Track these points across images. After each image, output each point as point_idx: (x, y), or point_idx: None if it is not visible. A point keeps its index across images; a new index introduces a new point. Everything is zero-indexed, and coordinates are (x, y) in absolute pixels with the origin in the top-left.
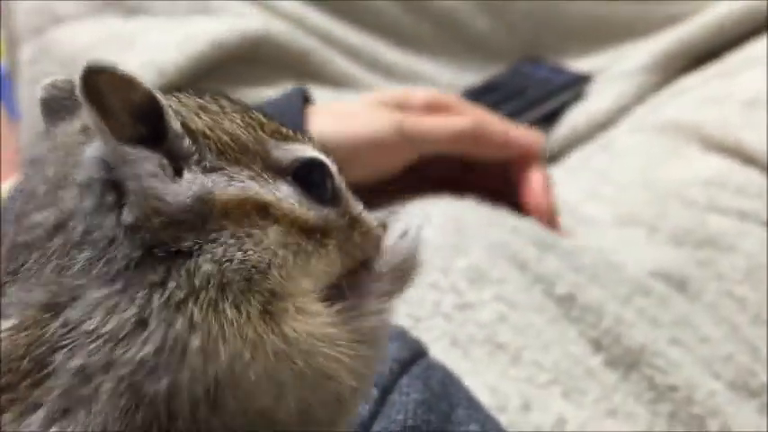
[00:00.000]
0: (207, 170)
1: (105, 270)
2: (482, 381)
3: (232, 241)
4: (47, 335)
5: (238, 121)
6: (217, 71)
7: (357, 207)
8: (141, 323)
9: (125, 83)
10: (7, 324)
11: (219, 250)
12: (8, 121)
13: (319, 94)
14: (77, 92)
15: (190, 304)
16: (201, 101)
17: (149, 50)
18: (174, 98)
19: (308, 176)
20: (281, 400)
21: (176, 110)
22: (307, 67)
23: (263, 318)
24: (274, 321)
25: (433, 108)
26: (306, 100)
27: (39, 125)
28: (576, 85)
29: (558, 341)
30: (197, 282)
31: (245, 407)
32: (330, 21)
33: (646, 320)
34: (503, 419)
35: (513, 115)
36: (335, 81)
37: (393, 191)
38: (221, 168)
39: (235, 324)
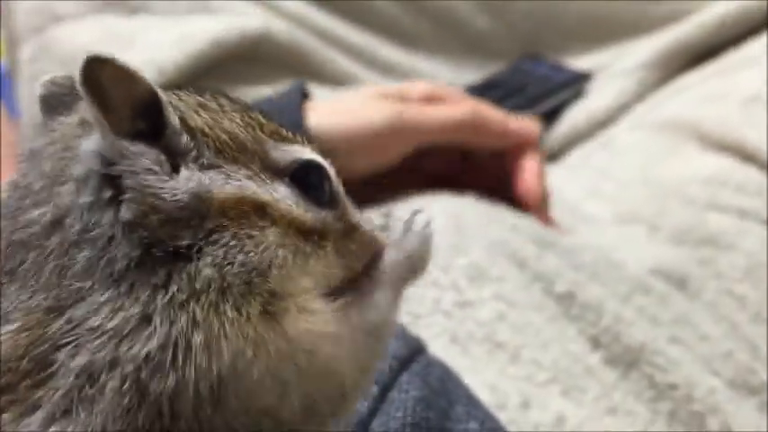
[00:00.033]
0: (204, 167)
1: (108, 271)
2: (481, 379)
3: (233, 243)
4: (48, 333)
5: (238, 120)
6: (216, 70)
7: (355, 213)
8: (146, 319)
9: (127, 76)
10: (9, 327)
11: (220, 252)
12: (8, 120)
13: (319, 92)
14: (78, 83)
15: (192, 304)
16: (201, 99)
17: (149, 49)
18: (173, 95)
19: (306, 178)
20: (285, 397)
21: (176, 106)
22: (306, 66)
23: (264, 318)
24: (275, 321)
25: (431, 99)
26: (305, 96)
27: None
28: (576, 83)
29: (558, 339)
30: (198, 285)
31: (247, 405)
32: (330, 20)
33: (645, 319)
34: (502, 417)
35: (513, 113)
36: (335, 80)
37: (390, 186)
38: (219, 166)
39: (236, 324)
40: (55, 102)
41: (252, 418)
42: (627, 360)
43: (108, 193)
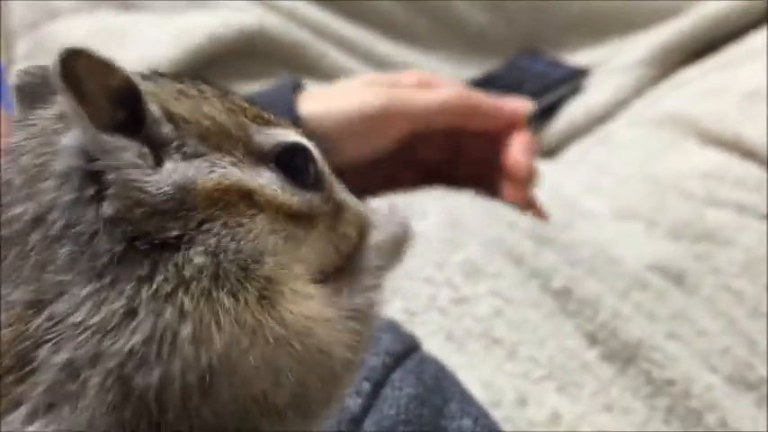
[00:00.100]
0: (188, 156)
1: (90, 265)
2: (477, 375)
3: (225, 231)
4: (30, 330)
5: (219, 105)
6: (213, 65)
7: (341, 192)
8: (130, 313)
9: (102, 67)
10: None
11: (212, 241)
12: (5, 116)
13: (315, 87)
14: (54, 76)
15: (179, 294)
16: (181, 86)
17: (144, 44)
18: (152, 83)
19: (291, 162)
20: (277, 384)
21: (155, 94)
22: (302, 60)
23: (261, 303)
24: (271, 306)
25: (423, 85)
26: (298, 87)
27: None
28: (574, 79)
29: (554, 335)
30: (187, 273)
31: (238, 394)
32: (326, 14)
33: (643, 314)
34: (498, 414)
35: None
36: (331, 75)
37: (387, 181)
38: (203, 154)
39: (232, 311)
40: (30, 92)
41: (242, 407)
42: (624, 356)
43: (91, 190)
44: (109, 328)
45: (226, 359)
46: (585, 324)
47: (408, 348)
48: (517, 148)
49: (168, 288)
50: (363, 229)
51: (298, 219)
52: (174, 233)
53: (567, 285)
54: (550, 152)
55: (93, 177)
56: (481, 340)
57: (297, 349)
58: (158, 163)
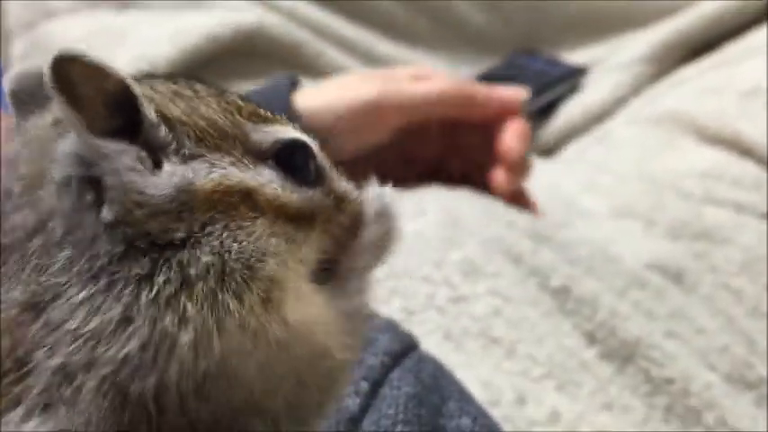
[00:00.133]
0: (186, 159)
1: (87, 267)
2: (476, 374)
3: (226, 233)
4: (28, 336)
5: (214, 105)
6: (211, 65)
7: (341, 184)
8: (126, 320)
9: (97, 71)
10: None
11: (216, 242)
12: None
13: (310, 84)
14: (48, 82)
15: (182, 298)
16: (175, 87)
17: (141, 44)
18: (147, 86)
19: (291, 158)
20: (276, 385)
21: (150, 97)
22: (301, 59)
23: (265, 306)
24: (275, 308)
25: (417, 78)
26: (294, 85)
27: None
28: (572, 78)
29: (553, 334)
30: (192, 273)
31: (237, 396)
32: (325, 14)
33: (641, 313)
34: (496, 413)
35: None
36: (330, 74)
37: (382, 176)
38: (201, 156)
39: (237, 315)
40: (26, 96)
41: (239, 409)
42: (622, 354)
43: (90, 196)
44: (103, 334)
45: (225, 364)
46: (584, 323)
47: (406, 348)
48: (511, 135)
49: (170, 290)
50: (359, 221)
51: (299, 219)
52: (178, 234)
53: (565, 284)
54: (548, 151)
55: (91, 183)
56: (479, 339)
57: (297, 352)
58: (157, 166)
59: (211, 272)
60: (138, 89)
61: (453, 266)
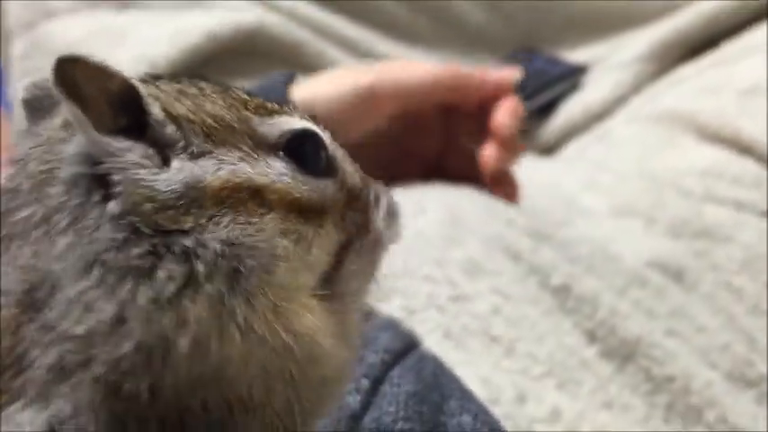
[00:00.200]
0: (194, 156)
1: (85, 253)
2: (476, 373)
3: (235, 230)
4: (27, 335)
5: (220, 102)
6: (211, 64)
7: (355, 176)
8: (119, 320)
9: (100, 72)
10: None
11: (224, 238)
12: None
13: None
14: (53, 85)
15: (184, 298)
16: (180, 85)
17: (141, 44)
18: (152, 86)
19: (301, 149)
20: (274, 390)
21: (156, 96)
22: (301, 59)
23: (275, 312)
24: (284, 317)
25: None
26: (291, 80)
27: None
28: (572, 76)
29: (553, 332)
30: (198, 270)
31: (231, 399)
32: (326, 13)
33: (642, 311)
34: (497, 411)
35: None
36: None
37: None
38: (209, 152)
39: (242, 321)
40: (38, 104)
41: (234, 409)
42: (623, 353)
43: (98, 194)
44: (96, 335)
45: (223, 369)
46: (584, 321)
47: (407, 345)
48: (503, 112)
49: (171, 289)
50: (370, 219)
51: (309, 213)
52: (187, 225)
53: (565, 282)
54: (549, 149)
55: (99, 181)
56: (480, 337)
57: (299, 361)
58: (165, 163)
59: (218, 273)
60: (142, 88)
61: (455, 265)
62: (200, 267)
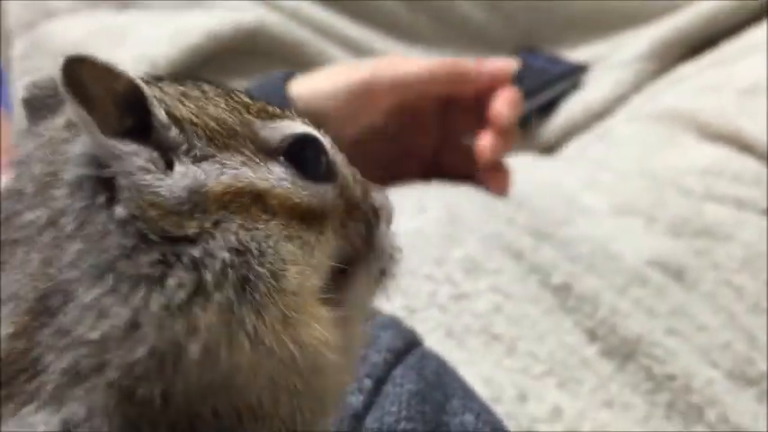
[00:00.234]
0: (198, 159)
1: (97, 261)
2: (477, 371)
3: (239, 236)
4: (41, 340)
5: (222, 105)
6: (212, 64)
7: (356, 186)
8: (134, 325)
9: (107, 72)
10: (7, 331)
11: (231, 243)
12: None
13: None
14: (59, 85)
15: (195, 306)
16: (183, 88)
17: (141, 44)
18: (155, 87)
19: (301, 154)
20: (278, 402)
21: (160, 99)
22: (302, 58)
23: (285, 324)
24: (292, 327)
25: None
26: (289, 77)
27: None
28: (573, 75)
29: (554, 331)
30: (207, 279)
31: (239, 406)
32: (327, 14)
33: (642, 310)
34: (498, 410)
35: None
36: None
37: (381, 171)
38: (212, 156)
39: (252, 331)
40: (38, 104)
41: (242, 415)
42: (623, 352)
43: (103, 197)
44: (110, 340)
45: (232, 377)
46: (585, 320)
47: (409, 345)
48: (501, 102)
49: (182, 296)
50: (372, 225)
51: (310, 219)
52: (192, 231)
53: (566, 281)
54: (549, 148)
55: (104, 184)
56: (481, 336)
57: (304, 372)
58: (168, 167)
59: (228, 279)
60: (148, 90)
61: (455, 264)
62: (209, 277)
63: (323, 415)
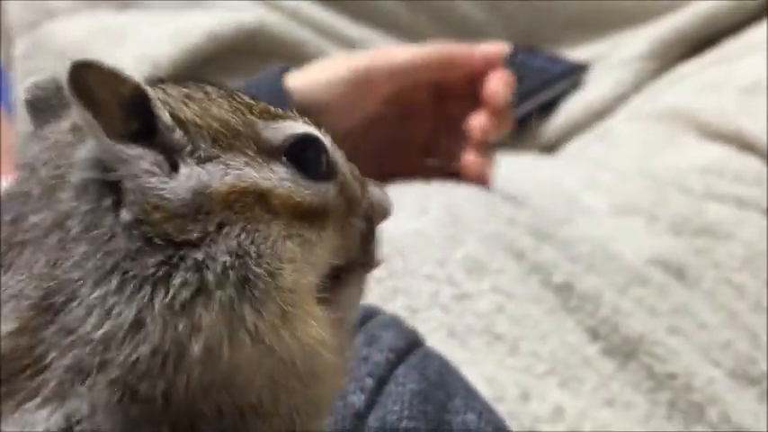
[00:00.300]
0: (202, 161)
1: (102, 263)
2: (480, 371)
3: (243, 236)
4: (45, 338)
5: (225, 106)
6: (212, 64)
7: (356, 187)
8: (138, 324)
9: (113, 77)
10: (9, 327)
11: (233, 244)
12: (5, 116)
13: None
14: (66, 89)
15: (197, 305)
16: (186, 90)
17: (142, 44)
18: (159, 89)
19: (303, 153)
20: (276, 400)
21: (164, 101)
22: (302, 58)
23: (283, 319)
24: (290, 323)
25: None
26: (285, 71)
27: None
28: (573, 75)
29: (556, 331)
30: (209, 278)
31: (239, 403)
32: (327, 14)
33: (644, 309)
34: (501, 409)
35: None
36: None
37: (380, 165)
38: (216, 157)
39: (252, 329)
40: (41, 105)
41: (244, 417)
42: (625, 351)
43: (108, 200)
44: (115, 339)
45: (233, 375)
46: (586, 319)
47: (411, 344)
48: (495, 82)
49: (185, 296)
50: (372, 222)
51: (311, 218)
52: (195, 234)
53: (567, 281)
54: (549, 148)
55: (110, 187)
56: (483, 336)
57: (301, 370)
58: (173, 169)
59: (229, 279)
60: (153, 93)
61: (457, 264)
62: (211, 277)
63: (318, 416)
